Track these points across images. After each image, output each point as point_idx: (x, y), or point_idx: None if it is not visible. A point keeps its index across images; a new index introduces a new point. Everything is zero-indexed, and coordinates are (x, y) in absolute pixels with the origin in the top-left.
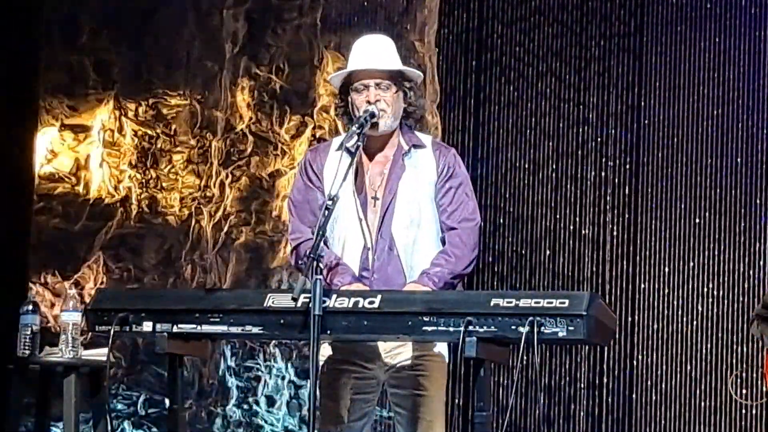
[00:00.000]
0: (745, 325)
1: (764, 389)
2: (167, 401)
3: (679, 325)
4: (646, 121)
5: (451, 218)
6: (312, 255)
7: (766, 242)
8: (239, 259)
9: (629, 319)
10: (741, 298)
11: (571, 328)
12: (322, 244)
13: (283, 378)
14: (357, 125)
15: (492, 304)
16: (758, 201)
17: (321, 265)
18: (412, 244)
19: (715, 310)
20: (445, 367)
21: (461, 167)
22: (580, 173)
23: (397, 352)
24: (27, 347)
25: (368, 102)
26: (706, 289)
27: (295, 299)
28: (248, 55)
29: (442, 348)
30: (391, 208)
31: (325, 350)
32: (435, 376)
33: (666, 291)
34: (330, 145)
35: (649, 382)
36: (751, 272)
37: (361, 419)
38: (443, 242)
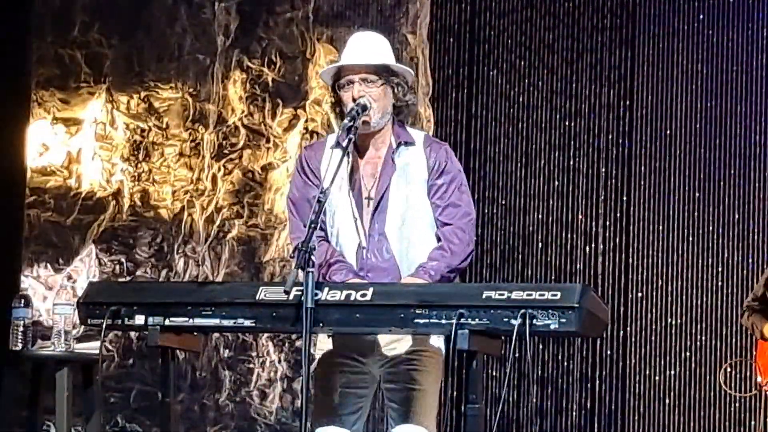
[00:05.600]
0: (737, 317)
1: (755, 380)
2: (159, 394)
3: (672, 317)
4: (638, 113)
5: (444, 215)
6: (304, 248)
7: (758, 234)
8: (232, 252)
9: (621, 311)
10: (733, 290)
11: (563, 320)
12: (324, 241)
13: (275, 371)
14: (349, 118)
15: (484, 296)
16: (751, 193)
17: (314, 258)
18: (406, 242)
19: (707, 302)
20: (440, 361)
21: (453, 162)
22: (572, 165)
23: (392, 347)
24: (19, 341)
25: (353, 98)
26: (698, 281)
27: (287, 292)
28: (240, 48)
29: (439, 342)
30: (382, 208)
31: (326, 344)
32: (429, 371)
33: (659, 283)
34: (325, 142)
35: (641, 374)
36: (743, 264)
37: (354, 414)
38: (438, 239)
